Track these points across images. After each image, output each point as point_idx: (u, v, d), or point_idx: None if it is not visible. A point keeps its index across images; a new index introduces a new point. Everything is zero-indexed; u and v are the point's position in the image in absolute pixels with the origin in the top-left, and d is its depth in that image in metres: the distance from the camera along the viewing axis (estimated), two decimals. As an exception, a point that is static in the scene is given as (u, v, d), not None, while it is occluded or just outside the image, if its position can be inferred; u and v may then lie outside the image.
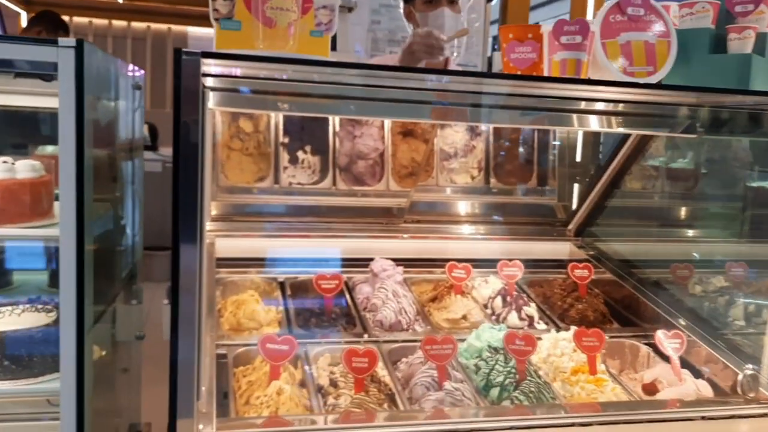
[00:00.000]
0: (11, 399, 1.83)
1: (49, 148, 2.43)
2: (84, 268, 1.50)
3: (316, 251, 2.72)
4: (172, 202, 1.44)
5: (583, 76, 1.75)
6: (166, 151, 6.54)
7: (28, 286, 2.44)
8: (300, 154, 2.85)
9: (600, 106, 1.99)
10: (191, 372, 1.48)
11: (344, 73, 1.56)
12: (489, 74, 1.82)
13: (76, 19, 8.09)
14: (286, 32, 1.61)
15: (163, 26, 8.45)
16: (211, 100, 1.56)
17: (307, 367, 2.02)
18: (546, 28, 1.76)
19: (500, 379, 1.93)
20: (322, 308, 2.36)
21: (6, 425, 1.96)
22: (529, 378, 1.93)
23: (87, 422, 1.58)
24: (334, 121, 2.87)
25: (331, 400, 1.86)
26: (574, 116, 2.02)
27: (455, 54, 3.03)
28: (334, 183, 2.86)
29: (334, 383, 1.92)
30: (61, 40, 1.47)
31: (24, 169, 1.72)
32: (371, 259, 2.61)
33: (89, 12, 8.11)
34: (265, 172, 2.81)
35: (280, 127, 2.82)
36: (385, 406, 1.84)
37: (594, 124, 2.06)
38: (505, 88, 1.83)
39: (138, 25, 8.44)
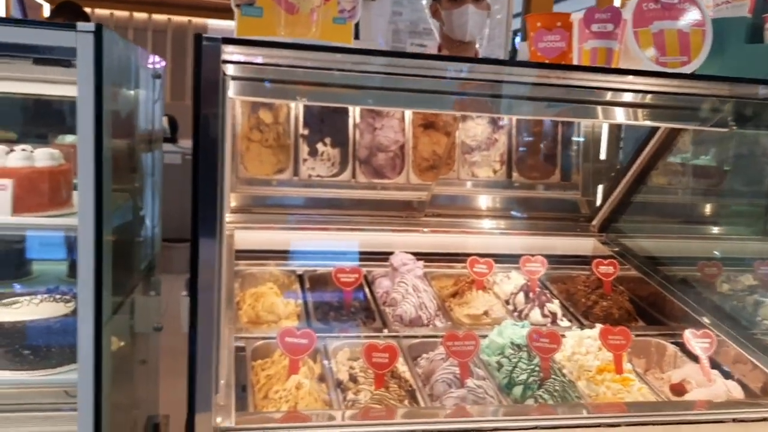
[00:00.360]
0: (29, 389, 1.82)
1: (69, 138, 2.42)
2: (102, 259, 1.48)
3: (335, 244, 2.69)
4: (192, 192, 1.41)
5: (614, 66, 1.69)
6: (186, 143, 6.54)
7: (46, 276, 2.43)
8: (320, 146, 2.82)
9: (630, 97, 1.93)
10: (210, 365, 1.45)
11: (373, 62, 1.51)
12: (519, 63, 1.76)
13: (98, 11, 8.13)
14: (308, 19, 1.58)
15: (184, 18, 8.47)
16: (232, 88, 1.52)
17: (326, 362, 1.99)
18: (576, 15, 1.70)
19: (524, 377, 1.89)
20: (341, 302, 2.33)
21: (24, 415, 1.96)
22: (553, 376, 1.88)
23: (104, 414, 1.56)
24: (354, 113, 2.84)
25: (350, 395, 1.82)
26: (605, 108, 1.96)
27: (478, 46, 2.98)
28: (354, 176, 2.83)
29: (353, 378, 1.89)
30: (80, 25, 1.44)
31: (43, 157, 1.70)
32: (391, 253, 2.57)
33: (110, 4, 8.14)
34: (285, 164, 2.78)
35: (300, 118, 2.79)
36: (406, 402, 1.81)
37: (624, 116, 2.00)
38: (534, 78, 1.77)
39: (158, 17, 8.46)
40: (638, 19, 1.74)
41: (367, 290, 2.46)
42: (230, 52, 1.46)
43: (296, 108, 2.77)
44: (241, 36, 1.57)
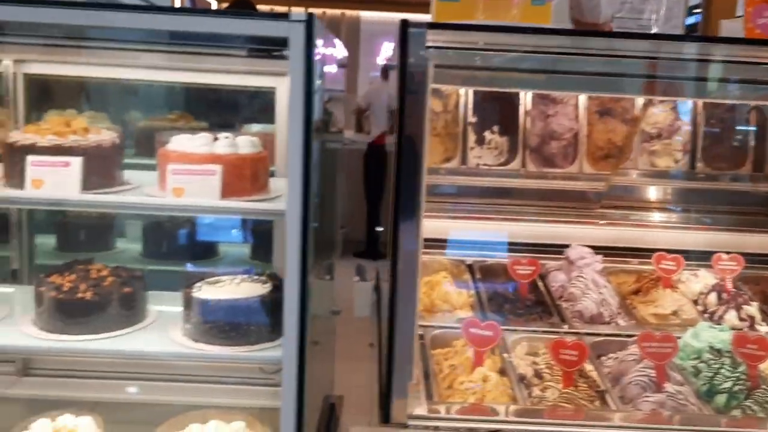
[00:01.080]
0: (229, 364, 1.93)
1: (255, 126, 2.53)
2: (308, 243, 1.53)
3: (503, 234, 2.63)
4: (395, 181, 1.41)
5: None
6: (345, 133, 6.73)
7: (229, 258, 2.57)
8: (487, 135, 2.77)
9: None
10: (408, 353, 1.46)
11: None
12: (735, 40, 1.60)
13: (259, 7, 8.56)
14: (508, 1, 1.53)
15: (337, 11, 8.76)
16: (433, 75, 1.50)
17: (504, 355, 1.95)
18: (811, -14, 1.52)
19: (728, 385, 1.73)
20: (516, 294, 2.28)
21: (221, 387, 2.09)
22: (763, 386, 1.71)
23: (306, 390, 1.62)
24: (525, 100, 2.75)
25: (536, 391, 1.77)
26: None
27: (655, 30, 2.78)
28: (523, 164, 2.75)
29: (538, 374, 1.83)
30: (293, 14, 1.49)
31: (245, 144, 1.78)
32: (563, 246, 2.48)
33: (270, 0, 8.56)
34: (452, 153, 2.76)
35: (470, 106, 2.75)
36: (596, 404, 1.72)
37: None
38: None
39: (314, 11, 8.81)
40: None
41: (540, 283, 2.39)
42: (433, 39, 1.44)
43: (466, 95, 2.73)
44: (438, 21, 1.55)
